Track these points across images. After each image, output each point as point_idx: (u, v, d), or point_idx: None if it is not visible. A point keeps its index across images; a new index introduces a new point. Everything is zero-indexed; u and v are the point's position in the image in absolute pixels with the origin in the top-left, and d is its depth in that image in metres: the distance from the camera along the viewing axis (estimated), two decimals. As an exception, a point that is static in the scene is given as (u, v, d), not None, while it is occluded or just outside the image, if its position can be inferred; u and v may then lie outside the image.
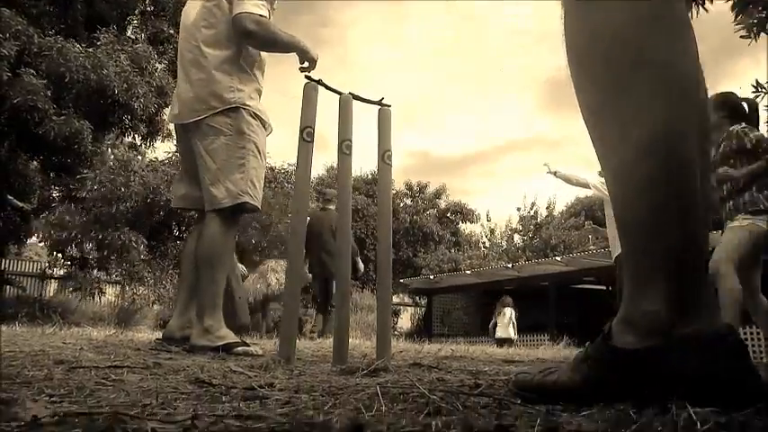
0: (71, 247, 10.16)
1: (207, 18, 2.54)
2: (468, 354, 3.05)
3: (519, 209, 23.55)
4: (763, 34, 4.22)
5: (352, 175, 2.30)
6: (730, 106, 3.53)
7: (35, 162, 10.08)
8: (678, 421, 0.65)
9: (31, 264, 15.79)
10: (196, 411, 0.77)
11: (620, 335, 0.83)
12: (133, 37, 11.06)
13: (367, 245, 17.80)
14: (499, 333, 11.41)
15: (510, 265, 15.69)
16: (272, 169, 12.03)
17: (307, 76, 2.08)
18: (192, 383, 1.16)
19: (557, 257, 14.93)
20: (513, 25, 46.85)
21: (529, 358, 3.08)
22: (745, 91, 4.43)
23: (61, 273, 11.88)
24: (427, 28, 45.60)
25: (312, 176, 2.22)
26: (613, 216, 0.87)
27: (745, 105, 3.60)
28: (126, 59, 9.48)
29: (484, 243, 23.82)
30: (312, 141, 2.03)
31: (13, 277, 13.04)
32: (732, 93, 3.63)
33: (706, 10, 4.07)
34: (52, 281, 14.01)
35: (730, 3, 4.14)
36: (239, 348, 2.32)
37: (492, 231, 23.72)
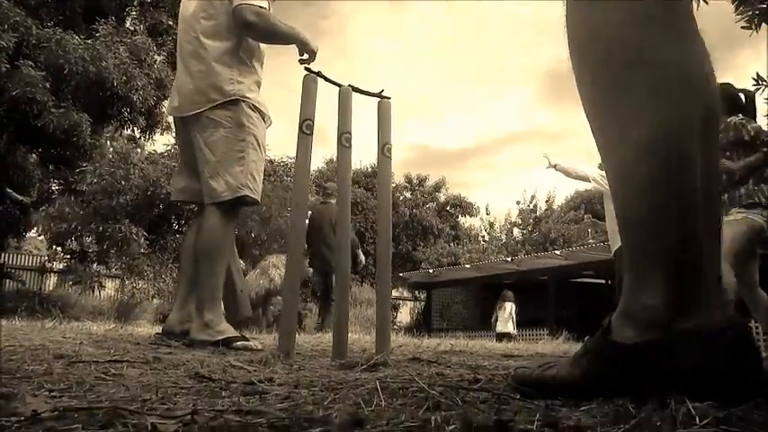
0: (71, 241, 10.17)
1: (206, 9, 2.53)
2: (467, 348, 3.06)
3: (518, 202, 23.59)
4: (764, 25, 4.19)
5: (352, 168, 2.29)
6: (727, 98, 3.50)
7: (34, 155, 10.07)
8: (677, 416, 0.65)
9: (31, 257, 15.80)
10: (196, 406, 0.77)
11: (620, 329, 0.83)
12: (132, 28, 11.02)
13: (366, 238, 17.81)
14: (499, 327, 11.45)
15: (509, 259, 15.72)
16: (271, 162, 12.01)
17: (306, 68, 2.07)
18: (191, 378, 1.16)
19: (556, 251, 14.95)
20: (514, 17, 46.68)
21: (528, 353, 3.09)
22: (745, 83, 4.40)
23: (61, 266, 11.87)
24: (427, 20, 45.46)
25: (311, 169, 2.22)
26: (614, 212, 0.87)
27: (742, 96, 3.56)
28: (125, 51, 9.45)
29: (483, 237, 23.86)
30: (311, 134, 2.02)
31: (13, 271, 13.06)
32: (729, 84, 3.60)
33: (706, 2, 4.05)
34: (52, 275, 14.02)
35: None
36: (239, 343, 2.32)
37: (491, 225, 23.76)
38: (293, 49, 2.55)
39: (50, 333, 2.56)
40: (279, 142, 24.69)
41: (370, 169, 21.05)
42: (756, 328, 8.10)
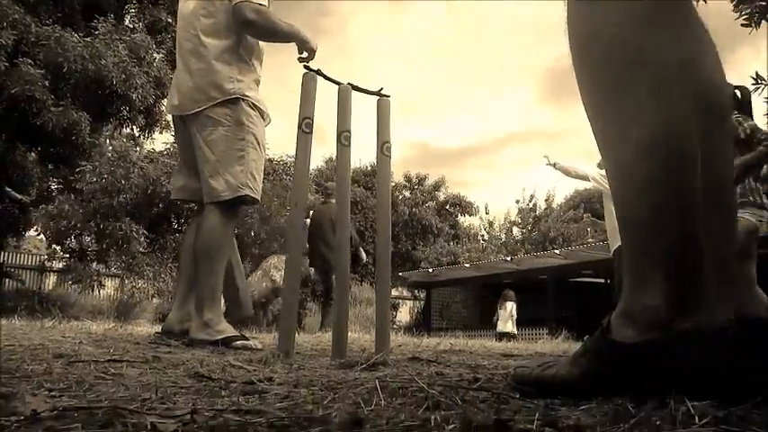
0: (70, 240, 10.15)
1: (206, 7, 2.52)
2: (466, 348, 3.06)
3: (518, 201, 23.56)
4: (763, 22, 4.19)
5: (351, 166, 2.29)
6: None
7: (33, 153, 10.06)
8: (676, 415, 0.66)
9: (30, 256, 15.79)
10: (195, 405, 0.77)
11: (620, 329, 0.83)
12: (131, 26, 11.00)
13: (366, 237, 17.81)
14: (500, 327, 11.48)
15: (509, 259, 15.72)
16: (270, 161, 11.99)
17: (305, 66, 2.07)
18: (191, 377, 1.16)
19: (555, 250, 14.96)
20: (514, 16, 46.67)
21: (527, 352, 3.09)
22: (744, 81, 4.39)
23: (60, 266, 11.87)
24: (427, 19, 45.42)
25: (311, 168, 2.22)
26: (613, 211, 0.88)
27: (738, 94, 3.55)
28: (124, 49, 9.43)
29: (483, 236, 23.84)
30: (311, 133, 2.02)
31: (12, 270, 13.05)
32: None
33: (705, 1, 4.04)
34: (51, 274, 14.01)
35: None
36: (238, 342, 2.32)
37: (491, 224, 23.74)
38: (292, 47, 2.55)
39: (50, 332, 2.56)
40: (278, 141, 24.67)
41: (369, 168, 21.03)
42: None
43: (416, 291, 19.42)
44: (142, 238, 9.45)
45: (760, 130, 3.35)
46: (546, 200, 23.59)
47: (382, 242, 2.08)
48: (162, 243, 10.68)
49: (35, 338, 2.05)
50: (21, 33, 8.62)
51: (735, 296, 0.82)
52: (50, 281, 14.21)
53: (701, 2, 3.97)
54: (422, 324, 15.68)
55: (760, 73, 4.55)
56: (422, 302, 18.75)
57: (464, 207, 23.30)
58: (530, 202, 23.38)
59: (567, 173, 5.43)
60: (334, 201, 6.64)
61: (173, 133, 9.00)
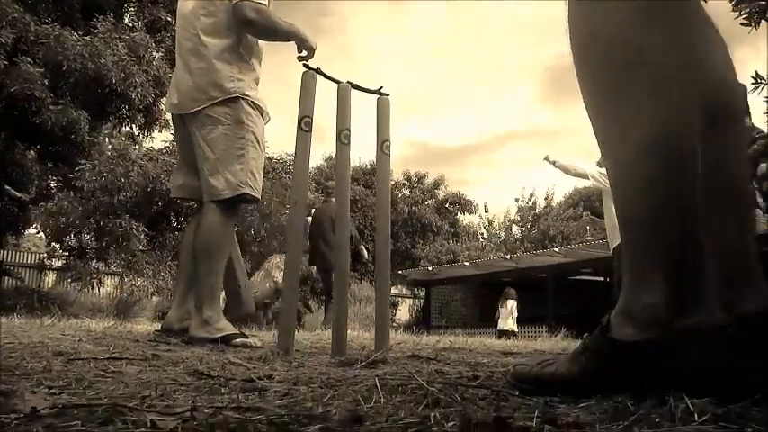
0: (69, 238, 10.15)
1: (206, 6, 2.52)
2: (466, 345, 3.06)
3: (517, 200, 23.59)
4: (763, 21, 4.18)
5: (351, 165, 2.29)
6: None
7: (32, 152, 10.05)
8: (676, 413, 0.66)
9: (30, 255, 15.78)
10: (195, 403, 0.77)
11: (619, 327, 0.83)
12: (130, 25, 10.98)
13: (365, 236, 17.82)
14: (500, 324, 11.51)
15: (508, 257, 15.73)
16: (270, 159, 11.98)
17: (305, 65, 2.07)
18: (190, 375, 1.16)
19: (555, 249, 14.97)
20: (514, 15, 46.64)
21: (527, 350, 3.09)
22: (744, 80, 4.39)
23: (59, 264, 11.87)
24: (427, 18, 45.38)
25: (310, 167, 2.22)
26: (612, 209, 0.88)
27: None
28: (123, 48, 9.42)
29: (482, 234, 23.86)
30: (310, 131, 2.02)
31: (12, 268, 13.04)
32: None
33: (705, 0, 4.03)
34: (50, 272, 14.00)
35: None
36: (238, 340, 2.32)
37: (490, 222, 23.75)
38: (292, 45, 2.55)
39: (49, 330, 2.56)
40: (277, 139, 24.61)
41: (369, 166, 21.03)
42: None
43: (416, 289, 19.44)
44: (142, 236, 9.44)
45: (755, 128, 3.35)
46: (545, 198, 23.62)
47: (382, 240, 2.08)
48: (161, 241, 10.67)
49: (35, 336, 2.05)
50: (20, 32, 8.61)
51: (758, 292, 0.81)
52: (50, 279, 14.21)
53: (701, 1, 3.95)
54: (421, 322, 15.69)
55: (759, 72, 4.55)
56: (421, 300, 18.77)
57: (464, 205, 23.31)
58: (529, 200, 23.41)
59: (566, 171, 5.43)
60: (334, 200, 6.66)
61: (172, 132, 9.00)
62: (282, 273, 8.43)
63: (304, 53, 2.53)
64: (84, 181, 9.23)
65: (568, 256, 13.84)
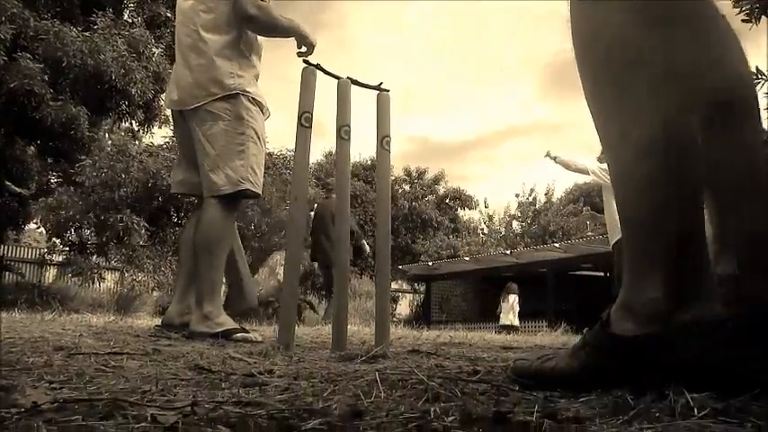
0: (70, 233, 10.16)
1: (206, 3, 2.51)
2: (466, 340, 3.07)
3: (518, 195, 23.55)
4: (763, 18, 4.17)
5: (351, 160, 2.29)
6: None
7: (32, 147, 10.04)
8: (676, 407, 0.66)
9: (30, 250, 15.79)
10: (196, 398, 0.77)
11: (619, 322, 0.83)
12: (130, 20, 10.95)
13: (366, 231, 17.82)
14: (502, 320, 11.54)
15: (508, 252, 15.74)
16: (270, 155, 11.97)
17: (305, 61, 2.06)
18: (191, 370, 1.16)
19: (555, 244, 14.97)
20: (514, 10, 46.49)
21: (527, 344, 3.09)
22: None
23: (60, 259, 11.88)
24: (427, 13, 45.24)
25: (311, 162, 2.21)
26: (612, 204, 0.88)
27: None
28: (123, 44, 9.40)
29: (482, 229, 23.85)
30: (310, 127, 2.02)
31: (12, 263, 13.05)
32: None
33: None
34: (51, 267, 14.02)
35: None
36: (238, 335, 2.32)
37: (490, 218, 23.74)
38: (292, 41, 2.55)
39: (50, 325, 2.56)
40: (277, 135, 24.63)
41: (369, 162, 21.01)
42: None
43: (416, 284, 19.45)
44: (143, 231, 9.45)
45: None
46: (546, 193, 23.58)
47: (382, 236, 2.08)
48: (162, 236, 10.68)
49: (35, 331, 2.05)
50: (19, 27, 8.58)
51: None
52: (50, 274, 14.22)
53: None
54: (421, 317, 15.72)
55: (760, 68, 4.54)
56: (421, 295, 18.78)
57: (464, 201, 23.30)
58: (529, 195, 23.37)
59: (566, 167, 5.43)
60: (335, 196, 6.67)
61: (172, 127, 8.99)
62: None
63: (303, 49, 2.53)
64: (85, 177, 9.24)
65: (568, 251, 13.84)
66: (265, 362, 1.40)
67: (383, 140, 2.11)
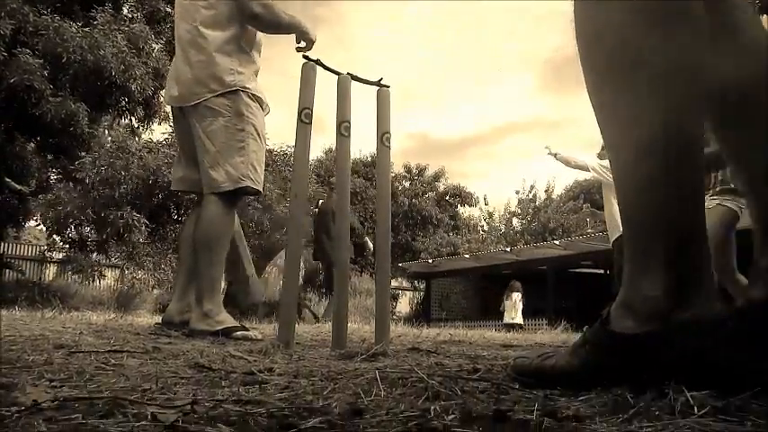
0: (70, 230, 10.16)
1: (206, -1, 2.51)
2: (466, 338, 3.07)
3: (518, 192, 23.57)
4: (765, 17, 4.17)
5: (351, 157, 2.28)
6: None
7: (32, 144, 10.03)
8: (675, 405, 0.66)
9: (30, 247, 15.80)
10: (196, 396, 0.77)
11: (619, 319, 0.83)
12: (129, 16, 10.92)
13: (366, 228, 17.82)
14: (505, 318, 11.55)
15: (508, 249, 15.75)
16: (270, 152, 11.97)
17: (305, 56, 2.05)
18: (191, 368, 1.16)
19: (555, 241, 14.98)
20: (514, 5, 46.41)
21: (527, 342, 3.10)
22: None
23: (60, 256, 11.89)
24: (427, 8, 45.15)
25: (311, 159, 2.21)
26: (613, 202, 0.88)
27: None
28: (123, 39, 9.38)
29: (482, 227, 23.86)
30: (310, 123, 2.01)
31: (12, 261, 13.06)
32: None
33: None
34: (51, 264, 14.03)
35: None
36: (238, 333, 2.32)
37: (490, 215, 23.76)
38: (291, 37, 2.54)
39: (50, 323, 2.56)
40: (277, 131, 24.58)
41: (369, 159, 21.00)
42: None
43: (416, 281, 19.47)
44: (143, 228, 9.45)
45: None
46: (546, 190, 23.60)
47: (382, 233, 2.08)
48: (162, 233, 10.69)
49: (35, 329, 2.05)
50: (19, 23, 8.57)
51: None
52: (50, 271, 14.24)
53: None
54: (421, 315, 15.73)
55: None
56: (421, 293, 18.80)
57: (464, 198, 23.29)
58: (529, 192, 23.39)
59: (567, 163, 5.42)
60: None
61: (171, 124, 8.97)
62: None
63: (302, 44, 2.52)
64: (85, 173, 9.23)
65: (569, 248, 13.85)
66: (265, 360, 1.40)
67: (383, 137, 2.11)
